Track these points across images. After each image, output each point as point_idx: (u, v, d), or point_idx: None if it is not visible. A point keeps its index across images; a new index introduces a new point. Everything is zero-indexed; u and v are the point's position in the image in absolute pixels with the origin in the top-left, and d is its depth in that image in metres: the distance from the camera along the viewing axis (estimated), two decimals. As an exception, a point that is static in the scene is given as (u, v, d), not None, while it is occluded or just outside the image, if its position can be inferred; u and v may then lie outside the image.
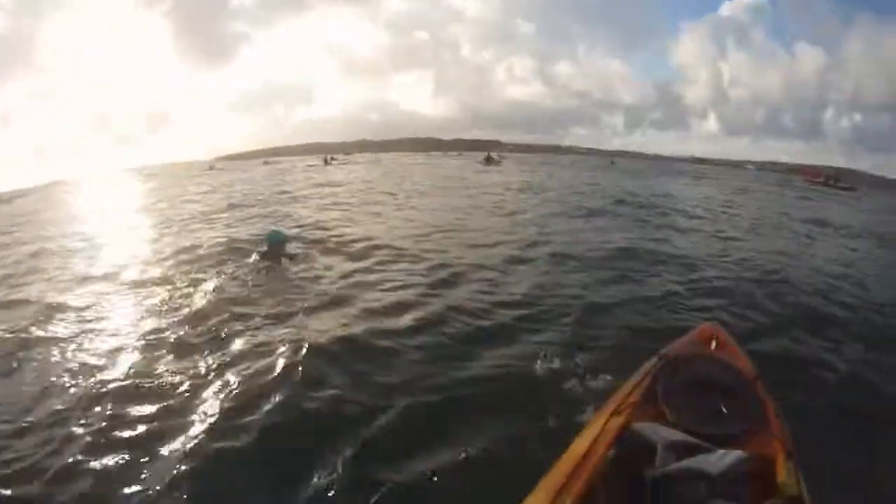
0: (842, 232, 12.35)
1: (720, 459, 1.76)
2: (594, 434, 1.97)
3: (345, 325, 4.42)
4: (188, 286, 5.63)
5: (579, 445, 1.93)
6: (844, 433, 3.26)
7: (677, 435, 1.94)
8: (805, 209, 17.78)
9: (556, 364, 3.70)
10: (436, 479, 2.51)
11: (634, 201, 14.85)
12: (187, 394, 3.31)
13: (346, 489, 2.44)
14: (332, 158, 46.51)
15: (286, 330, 4.32)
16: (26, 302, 5.54)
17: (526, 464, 2.30)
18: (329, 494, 2.42)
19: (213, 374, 3.56)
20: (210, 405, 3.16)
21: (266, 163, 54.55)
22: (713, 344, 2.84)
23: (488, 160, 39.25)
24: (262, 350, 3.87)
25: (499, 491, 2.06)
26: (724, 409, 2.21)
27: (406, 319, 4.59)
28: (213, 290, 5.36)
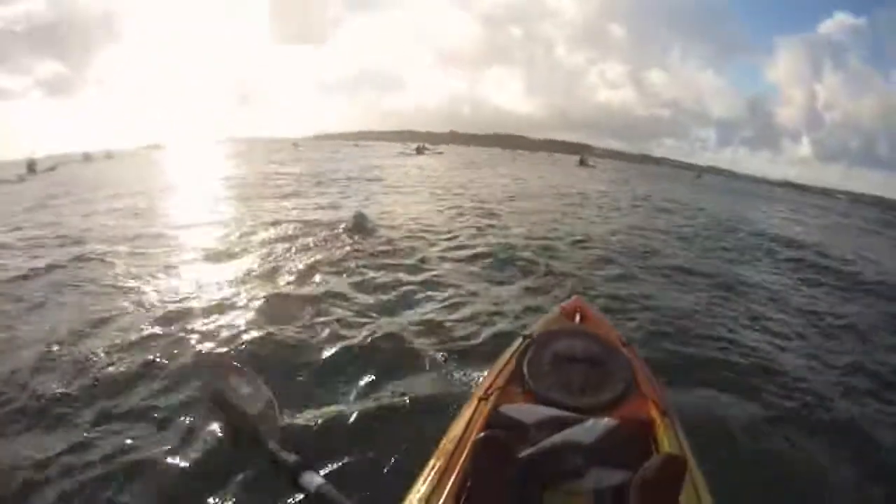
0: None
1: (592, 428, 1.76)
2: (464, 423, 1.94)
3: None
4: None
5: (451, 436, 1.91)
6: (720, 390, 3.43)
7: (547, 411, 1.91)
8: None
9: (428, 358, 3.64)
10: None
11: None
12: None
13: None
14: (425, 148, 47.30)
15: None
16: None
17: (404, 462, 2.41)
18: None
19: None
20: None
21: (357, 145, 56.17)
22: (577, 317, 2.81)
23: (582, 162, 41.92)
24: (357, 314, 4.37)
25: (381, 489, 2.15)
26: (594, 380, 2.18)
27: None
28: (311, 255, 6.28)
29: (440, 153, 44.77)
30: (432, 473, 1.70)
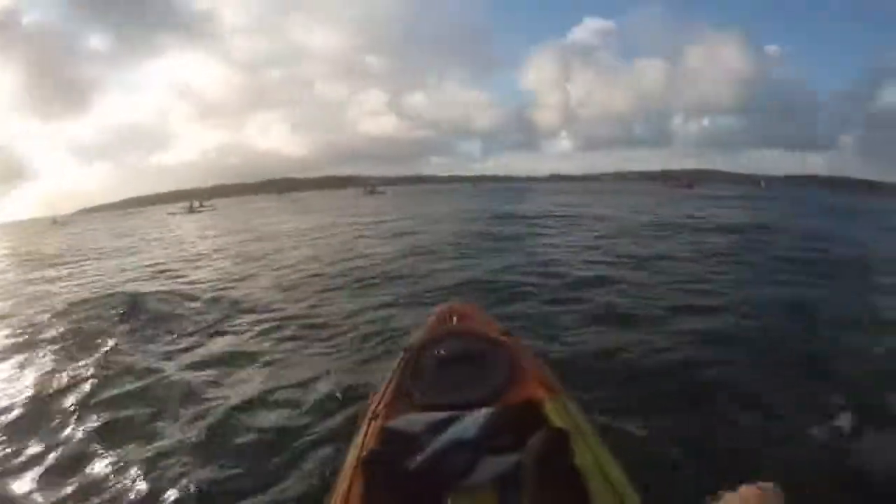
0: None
1: (473, 421, 1.79)
2: (358, 447, 1.95)
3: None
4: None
5: (347, 463, 1.90)
6: (607, 368, 3.71)
7: (432, 416, 1.91)
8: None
9: (325, 385, 3.67)
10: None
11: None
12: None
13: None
14: (201, 206, 42.76)
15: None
16: None
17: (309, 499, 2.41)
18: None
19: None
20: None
21: (127, 213, 50.04)
22: (454, 320, 2.90)
23: (371, 192, 43.42)
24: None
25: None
26: (476, 375, 2.24)
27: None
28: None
29: (213, 209, 40.80)
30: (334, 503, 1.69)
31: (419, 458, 1.68)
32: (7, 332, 5.76)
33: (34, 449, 3.10)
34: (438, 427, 1.81)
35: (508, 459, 1.63)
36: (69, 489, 2.70)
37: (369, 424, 2.07)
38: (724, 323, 4.76)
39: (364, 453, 1.76)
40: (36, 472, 2.88)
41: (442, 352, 2.41)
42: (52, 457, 3.02)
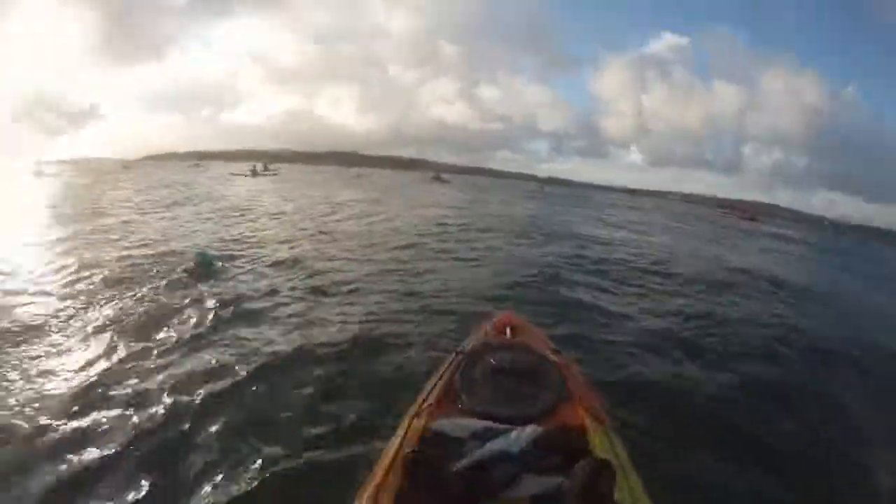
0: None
1: (519, 437, 1.77)
2: (398, 442, 1.90)
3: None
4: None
5: (385, 456, 1.85)
6: (655, 400, 3.45)
7: (479, 424, 1.90)
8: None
9: (361, 368, 3.69)
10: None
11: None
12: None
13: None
14: (266, 169, 41.90)
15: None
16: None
17: (339, 487, 2.18)
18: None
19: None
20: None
21: (198, 165, 57.40)
22: (508, 331, 2.87)
23: (436, 178, 44.16)
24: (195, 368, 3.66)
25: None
26: (525, 391, 2.19)
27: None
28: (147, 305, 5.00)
29: (276, 174, 40.02)
30: (367, 496, 1.67)
31: (463, 462, 1.69)
32: (83, 286, 5.67)
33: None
34: (483, 435, 1.82)
35: (551, 480, 1.61)
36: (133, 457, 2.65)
37: (411, 422, 2.04)
38: (789, 375, 4.46)
39: (406, 450, 1.74)
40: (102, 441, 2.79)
41: (494, 361, 2.39)
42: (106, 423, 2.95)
